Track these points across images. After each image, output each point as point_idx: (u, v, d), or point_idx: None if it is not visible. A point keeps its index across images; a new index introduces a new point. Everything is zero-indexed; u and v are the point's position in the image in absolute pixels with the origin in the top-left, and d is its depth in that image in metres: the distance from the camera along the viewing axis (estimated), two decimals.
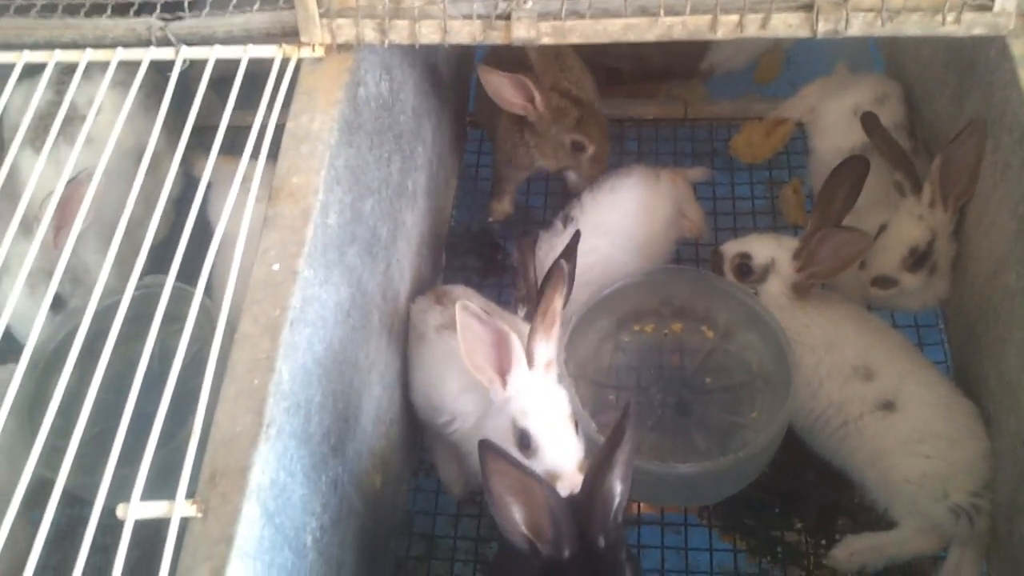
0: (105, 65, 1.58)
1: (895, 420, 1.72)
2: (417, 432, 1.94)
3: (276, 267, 1.31)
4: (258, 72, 1.55)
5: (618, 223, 2.00)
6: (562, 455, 1.49)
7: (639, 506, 1.95)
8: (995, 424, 1.69)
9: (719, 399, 1.87)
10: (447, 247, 2.31)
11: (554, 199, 2.32)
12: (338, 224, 1.44)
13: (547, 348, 1.55)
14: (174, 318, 1.32)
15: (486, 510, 1.93)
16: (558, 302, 1.54)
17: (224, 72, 1.55)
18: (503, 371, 1.51)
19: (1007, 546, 1.62)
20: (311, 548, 1.37)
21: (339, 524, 1.50)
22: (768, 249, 1.87)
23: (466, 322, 1.48)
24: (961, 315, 1.89)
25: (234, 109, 1.48)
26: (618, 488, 1.25)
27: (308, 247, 1.33)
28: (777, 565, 1.87)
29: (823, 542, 1.87)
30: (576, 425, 1.54)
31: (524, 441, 1.49)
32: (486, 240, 2.38)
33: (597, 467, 1.25)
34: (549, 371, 1.55)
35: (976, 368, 1.79)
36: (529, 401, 1.50)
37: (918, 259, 1.85)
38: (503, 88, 1.97)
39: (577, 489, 1.36)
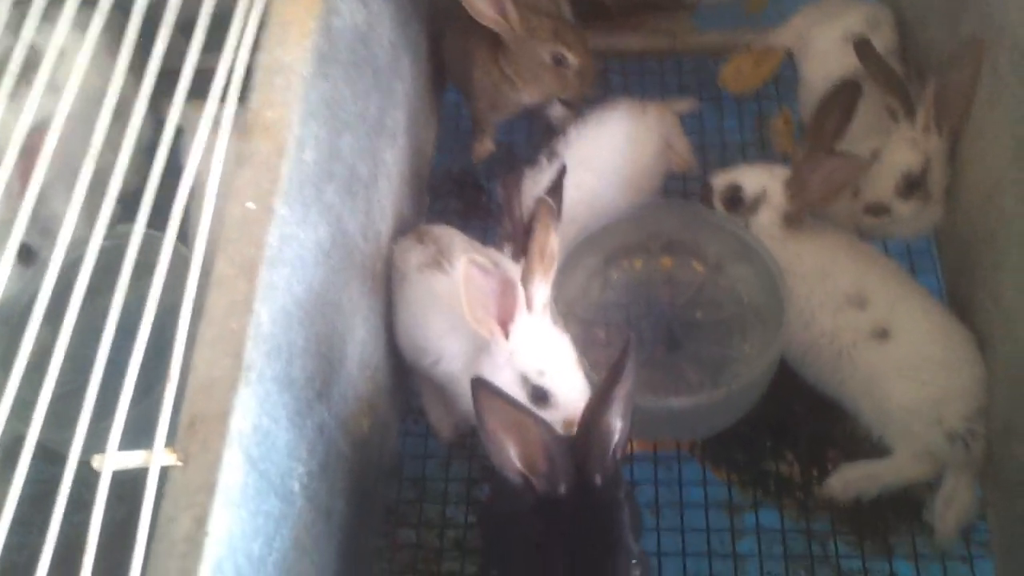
0: (62, 4, 1.50)
1: (889, 347, 1.70)
2: (404, 376, 1.90)
3: (251, 205, 1.26)
4: (228, 12, 1.47)
5: (605, 157, 1.95)
6: (579, 403, 1.44)
7: (632, 443, 1.94)
8: (990, 349, 1.67)
9: (710, 333, 1.85)
10: (429, 190, 2.26)
11: (537, 137, 2.26)
12: (315, 161, 1.39)
13: (544, 289, 1.51)
14: (149, 268, 1.27)
15: (477, 452, 1.91)
16: (553, 240, 1.50)
17: (192, 14, 1.47)
18: (505, 321, 1.46)
19: (1002, 470, 1.62)
20: (299, 495, 1.34)
21: (327, 470, 1.47)
22: (759, 179, 1.83)
23: (470, 275, 1.42)
24: (955, 241, 1.86)
25: (206, 51, 1.40)
26: (617, 425, 1.23)
27: (284, 184, 1.28)
28: (770, 497, 1.87)
29: (815, 473, 1.86)
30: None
31: (539, 394, 1.46)
32: (468, 182, 2.32)
33: (596, 403, 1.23)
34: (547, 313, 1.51)
35: (970, 294, 1.76)
36: (537, 353, 1.47)
37: (911, 185, 1.81)
38: None
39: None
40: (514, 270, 1.55)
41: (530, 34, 1.96)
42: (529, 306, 1.47)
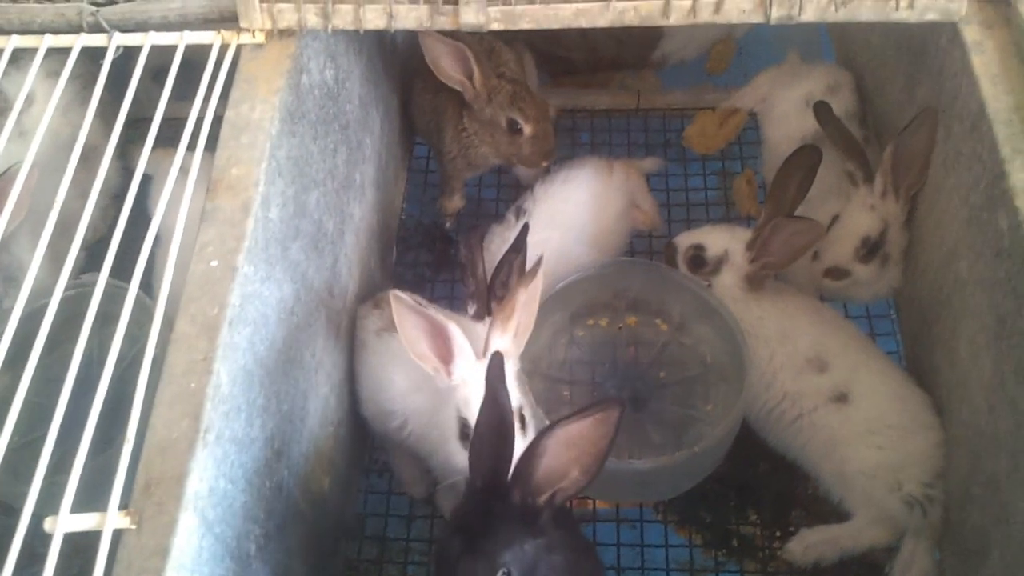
0: (34, 52, 1.50)
1: (849, 411, 1.71)
2: (366, 431, 1.88)
3: (214, 263, 1.25)
4: (197, 61, 1.48)
5: (571, 215, 1.97)
6: None
7: (594, 502, 1.93)
8: (948, 414, 1.69)
9: (674, 392, 1.85)
10: (398, 241, 2.26)
11: (507, 191, 2.28)
12: (280, 218, 1.39)
13: (502, 340, 1.51)
14: (113, 318, 1.26)
15: (439, 512, 1.89)
16: (520, 295, 1.50)
17: (163, 62, 1.48)
18: (446, 360, 1.48)
19: (959, 535, 1.63)
20: (255, 557, 1.32)
21: (284, 530, 1.44)
22: (721, 240, 1.85)
23: (402, 312, 1.45)
24: (913, 305, 1.89)
25: (174, 100, 1.41)
26: (571, 473, 1.21)
27: (248, 242, 1.27)
28: (733, 558, 1.86)
29: (778, 534, 1.86)
30: (523, 420, 1.50)
31: (464, 431, 1.47)
32: (438, 234, 2.33)
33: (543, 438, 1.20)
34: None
35: (928, 358, 1.79)
36: (472, 391, 1.47)
37: (870, 249, 1.84)
38: (443, 58, 1.91)
39: None
40: (471, 327, 1.60)
41: (489, 97, 1.99)
42: (483, 352, 1.48)
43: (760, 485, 1.93)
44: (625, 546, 1.84)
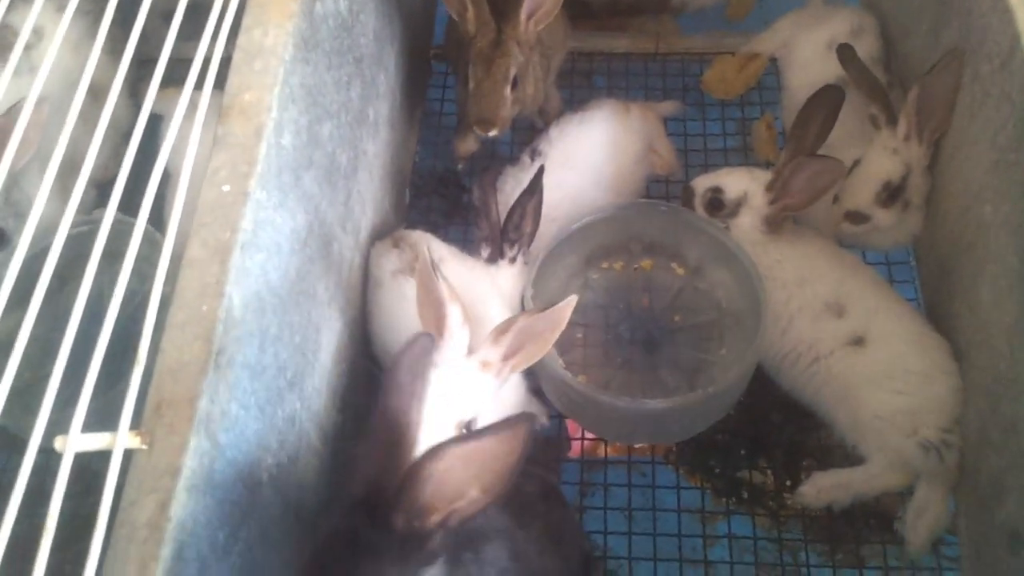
0: None
1: (866, 356, 1.70)
2: (381, 373, 1.87)
3: (226, 188, 1.23)
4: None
5: (587, 157, 1.94)
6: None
7: (606, 449, 1.92)
8: (966, 359, 1.67)
9: (688, 337, 1.84)
10: (412, 188, 2.24)
11: (521, 135, 2.25)
12: (293, 146, 1.36)
13: (493, 351, 1.47)
14: (124, 255, 1.24)
15: None
16: (521, 320, 1.46)
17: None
18: (441, 331, 1.46)
19: (975, 481, 1.61)
20: (267, 485, 1.31)
21: (297, 463, 1.44)
22: (740, 182, 1.82)
23: (424, 271, 1.44)
24: (933, 251, 1.86)
25: (185, 39, 1.37)
26: (469, 493, 1.02)
27: (260, 167, 1.25)
28: (743, 505, 1.86)
29: (788, 483, 1.85)
30: (468, 429, 1.45)
31: None
32: (451, 181, 2.30)
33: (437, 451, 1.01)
34: (485, 370, 1.47)
35: (948, 304, 1.76)
36: (436, 386, 1.41)
37: (891, 194, 1.81)
38: None
39: None
40: (484, 273, 1.61)
41: (471, 40, 1.91)
42: (471, 351, 1.48)
43: (771, 435, 1.92)
44: (636, 487, 1.84)
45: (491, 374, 1.48)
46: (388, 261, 1.74)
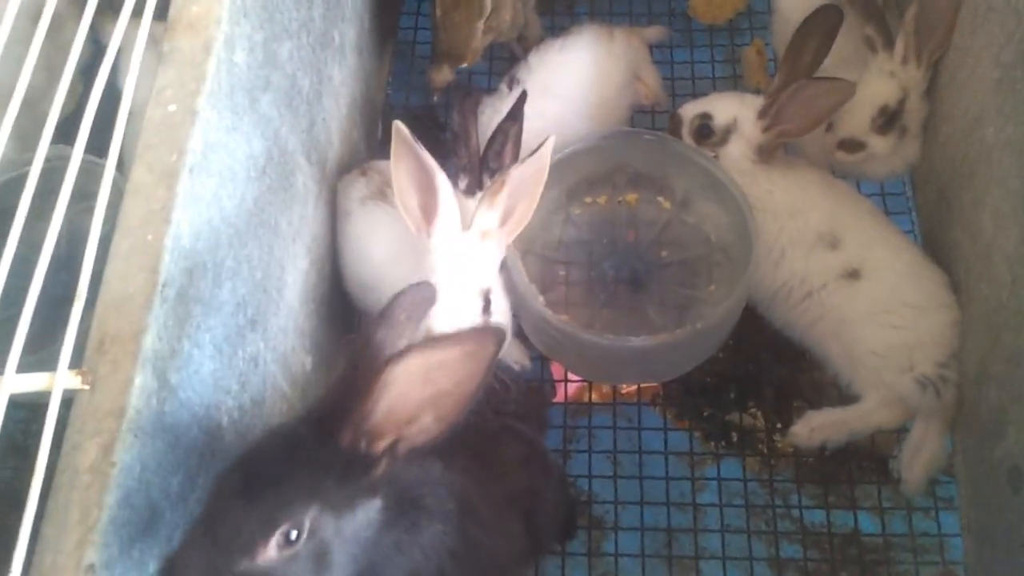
0: None
1: (861, 289, 1.62)
2: (353, 313, 1.79)
3: (172, 108, 1.13)
4: None
5: (569, 85, 1.83)
6: (442, 318, 1.36)
7: (590, 393, 1.85)
8: (965, 291, 1.60)
9: (675, 273, 1.76)
10: (385, 130, 2.12)
11: (500, 64, 2.14)
12: (247, 64, 1.26)
13: (488, 216, 1.42)
14: (87, 195, 1.14)
15: None
16: (515, 171, 1.41)
17: None
18: (429, 217, 1.39)
19: (974, 416, 1.55)
20: (228, 429, 1.23)
21: (262, 406, 1.36)
22: (730, 108, 1.72)
23: (399, 148, 1.36)
24: (931, 180, 1.78)
25: None
26: (424, 421, 0.94)
27: (210, 85, 1.15)
28: (732, 450, 1.79)
29: (779, 425, 1.79)
30: (487, 303, 1.41)
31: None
32: (426, 117, 2.19)
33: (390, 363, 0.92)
34: (486, 240, 1.42)
35: (946, 234, 1.69)
36: (442, 259, 1.39)
37: (888, 120, 1.72)
38: None
39: None
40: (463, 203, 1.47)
41: None
42: (466, 223, 1.40)
43: (761, 377, 1.85)
44: (622, 430, 1.78)
45: (492, 243, 1.43)
46: (356, 189, 1.66)
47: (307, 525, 0.89)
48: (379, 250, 1.59)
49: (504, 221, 1.45)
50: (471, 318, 1.39)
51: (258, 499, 0.89)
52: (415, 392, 0.91)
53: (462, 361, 0.90)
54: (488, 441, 1.44)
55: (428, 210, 1.40)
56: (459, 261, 1.41)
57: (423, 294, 1.10)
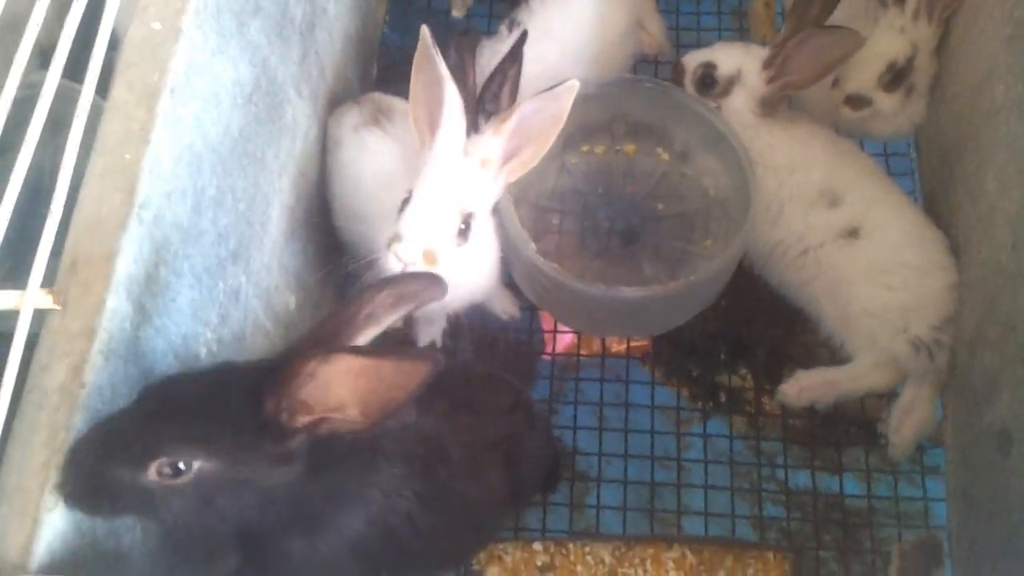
0: None
1: (859, 248, 1.59)
2: (342, 254, 1.76)
3: (156, 25, 1.09)
4: None
5: (570, 29, 1.77)
6: (412, 223, 1.33)
7: (579, 346, 1.83)
8: (965, 253, 1.57)
9: (671, 226, 1.72)
10: (382, 70, 2.07)
11: (499, 7, 2.08)
12: None
13: (492, 144, 1.37)
14: (66, 124, 1.10)
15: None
16: (527, 105, 1.36)
17: None
18: (433, 130, 1.35)
19: (967, 379, 1.53)
20: (206, 361, 1.21)
21: (243, 341, 1.34)
22: (734, 58, 1.67)
23: (421, 54, 1.35)
24: (936, 141, 1.74)
25: None
26: (345, 405, 0.93)
27: (196, 3, 1.11)
28: (720, 409, 1.77)
29: (768, 387, 1.77)
30: (466, 227, 1.37)
31: (406, 201, 1.35)
32: None
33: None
34: (484, 168, 1.38)
35: (948, 196, 1.66)
36: (431, 170, 1.34)
37: (896, 76, 1.67)
38: None
39: (402, 262, 1.29)
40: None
41: None
42: (467, 151, 1.37)
43: (754, 340, 1.82)
44: (608, 382, 1.76)
45: (489, 174, 1.38)
46: (349, 117, 1.62)
47: (194, 466, 0.89)
48: (370, 176, 1.55)
49: (507, 159, 1.41)
50: (443, 233, 1.35)
51: (158, 424, 0.90)
52: (343, 386, 0.91)
53: (395, 375, 0.90)
54: (472, 388, 1.41)
55: (434, 123, 1.36)
56: (447, 176, 1.35)
57: (422, 282, 1.07)
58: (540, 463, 1.53)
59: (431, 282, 1.06)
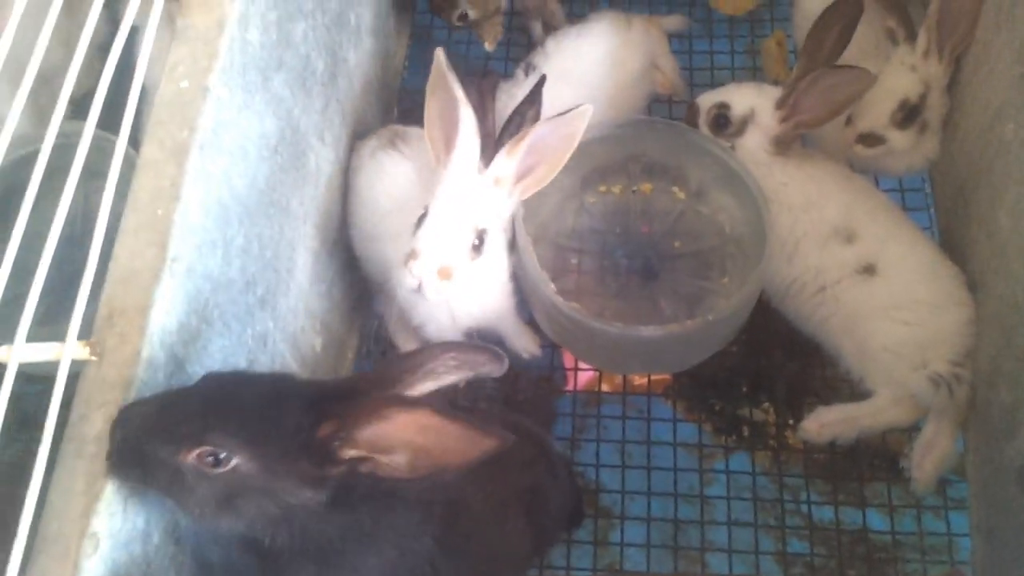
0: None
1: (875, 285, 1.60)
2: (364, 294, 1.79)
3: (184, 84, 1.14)
4: None
5: (585, 72, 1.82)
6: (428, 240, 1.37)
7: (600, 382, 1.85)
8: (982, 289, 1.58)
9: (688, 264, 1.74)
10: (401, 113, 2.12)
11: (517, 51, 2.13)
12: (261, 43, 1.26)
13: (506, 164, 1.42)
14: (100, 172, 1.14)
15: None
16: (541, 127, 1.41)
17: None
18: (448, 150, 1.41)
19: (986, 415, 1.53)
20: None
21: None
22: (748, 98, 1.70)
23: (436, 76, 1.41)
24: (950, 176, 1.76)
25: None
26: (394, 453, 0.95)
27: (222, 62, 1.15)
28: (743, 445, 1.78)
29: (791, 422, 1.78)
30: (479, 242, 1.40)
31: (422, 218, 1.39)
32: None
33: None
34: (498, 186, 1.43)
35: (964, 231, 1.67)
36: (446, 188, 1.39)
37: (908, 114, 1.69)
38: None
39: (418, 279, 1.33)
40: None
41: None
42: (480, 168, 1.41)
43: (773, 373, 1.84)
44: (631, 419, 1.77)
45: (503, 192, 1.43)
46: (367, 147, 1.69)
47: (233, 462, 0.92)
48: (384, 199, 1.60)
49: (521, 177, 1.45)
50: (458, 249, 1.38)
51: (215, 412, 0.93)
52: (403, 436, 0.93)
53: (458, 440, 0.91)
54: None
55: (449, 143, 1.41)
56: (462, 193, 1.39)
57: (488, 356, 1.09)
58: (562, 513, 1.54)
59: (493, 357, 1.09)
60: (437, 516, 1.13)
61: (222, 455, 0.92)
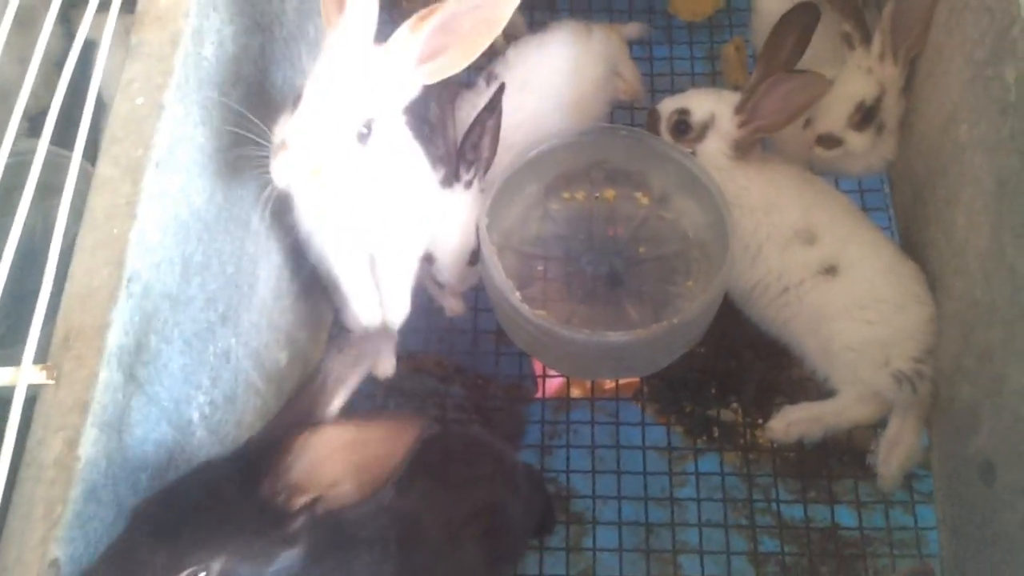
0: None
1: (837, 285, 1.62)
2: (328, 308, 1.79)
3: (139, 101, 1.13)
4: None
5: (546, 80, 1.82)
6: (299, 129, 1.17)
7: (569, 388, 1.85)
8: (941, 287, 1.60)
9: (653, 269, 1.75)
10: None
11: (477, 59, 2.12)
12: (216, 58, 1.25)
13: (409, 38, 1.21)
14: (56, 189, 1.13)
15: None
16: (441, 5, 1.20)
17: None
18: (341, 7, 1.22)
19: (949, 411, 1.56)
20: (198, 425, 1.23)
21: (235, 402, 1.36)
22: (707, 104, 1.72)
23: None
24: (907, 177, 1.78)
25: None
26: (340, 482, 0.94)
27: (177, 78, 1.15)
28: (712, 444, 1.80)
29: (760, 421, 1.80)
30: (367, 132, 1.21)
31: (296, 100, 1.20)
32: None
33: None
34: (393, 58, 1.22)
35: (922, 232, 1.69)
36: (327, 56, 1.21)
37: (865, 116, 1.72)
38: None
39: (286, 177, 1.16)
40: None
41: None
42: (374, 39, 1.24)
43: (742, 373, 1.86)
44: (600, 424, 1.78)
45: (399, 69, 1.22)
46: None
47: (216, 569, 0.89)
48: None
49: (428, 58, 1.24)
50: (337, 141, 1.19)
51: (169, 539, 0.88)
52: (334, 460, 0.91)
53: (383, 441, 0.91)
54: (452, 459, 1.39)
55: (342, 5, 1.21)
56: (348, 68, 1.19)
57: (377, 340, 1.08)
58: (527, 525, 1.53)
59: (384, 337, 1.08)
60: (392, 554, 1.12)
61: (202, 573, 0.88)
